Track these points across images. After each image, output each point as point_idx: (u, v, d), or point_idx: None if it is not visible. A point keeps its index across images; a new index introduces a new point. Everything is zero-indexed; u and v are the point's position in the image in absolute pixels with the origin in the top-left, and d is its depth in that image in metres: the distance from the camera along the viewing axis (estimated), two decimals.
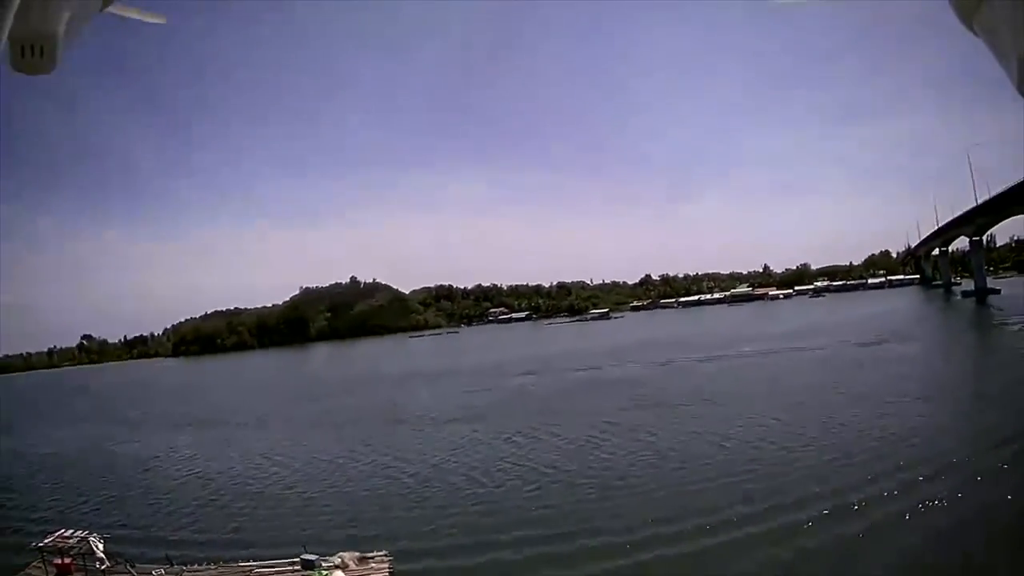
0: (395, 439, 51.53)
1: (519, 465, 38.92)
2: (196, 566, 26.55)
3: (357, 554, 24.39)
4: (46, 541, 27.88)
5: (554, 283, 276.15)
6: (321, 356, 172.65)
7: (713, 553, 23.35)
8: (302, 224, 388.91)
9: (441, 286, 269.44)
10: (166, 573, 26.25)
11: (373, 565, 24.37)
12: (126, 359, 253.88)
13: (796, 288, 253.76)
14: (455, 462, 41.43)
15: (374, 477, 40.22)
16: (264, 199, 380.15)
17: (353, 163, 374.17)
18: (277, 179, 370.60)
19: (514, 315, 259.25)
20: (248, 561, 25.85)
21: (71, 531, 29.23)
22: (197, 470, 48.11)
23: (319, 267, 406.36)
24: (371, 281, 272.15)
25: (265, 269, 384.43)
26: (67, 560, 26.89)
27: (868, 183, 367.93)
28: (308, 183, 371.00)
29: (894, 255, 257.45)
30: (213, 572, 25.63)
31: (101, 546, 27.13)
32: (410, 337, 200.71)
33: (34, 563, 27.81)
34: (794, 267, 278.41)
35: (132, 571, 26.59)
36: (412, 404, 69.54)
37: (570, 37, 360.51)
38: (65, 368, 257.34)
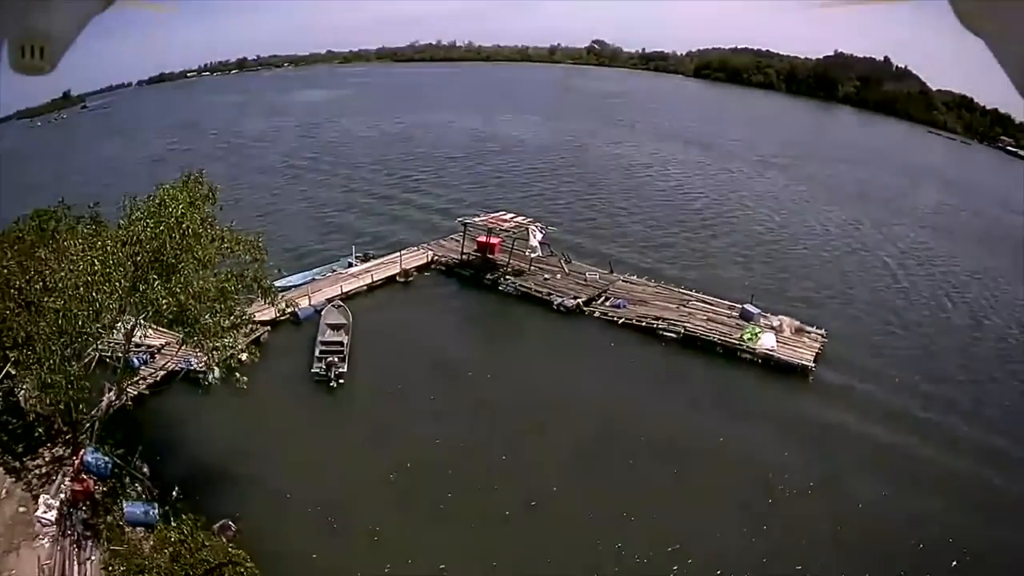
0: (905, 233, 45.49)
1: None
2: (635, 278, 30.13)
3: (797, 323, 26.31)
4: (475, 219, 31.21)
5: None
6: (848, 121, 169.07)
7: None
8: None
9: (964, 96, 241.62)
10: (600, 277, 29.59)
11: (806, 340, 26.07)
12: (639, 69, 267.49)
13: None
14: (961, 288, 35.59)
15: (861, 256, 38.79)
16: None
17: None
18: None
19: (1020, 151, 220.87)
20: (690, 291, 29.13)
21: (513, 215, 31.99)
22: (682, 188, 49.98)
23: (850, 35, 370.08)
24: (903, 67, 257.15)
25: (795, 19, 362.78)
26: (493, 240, 30.64)
27: None
28: None
29: None
30: (650, 289, 29.34)
31: (539, 236, 29.99)
32: (927, 132, 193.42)
33: (453, 235, 32.65)
34: None
35: (564, 266, 30.52)
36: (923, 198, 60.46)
37: None
38: (567, 65, 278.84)
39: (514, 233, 30.77)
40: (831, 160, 74.68)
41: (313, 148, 65.31)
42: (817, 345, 25.66)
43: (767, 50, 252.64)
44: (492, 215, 32.32)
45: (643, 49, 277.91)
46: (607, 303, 28.18)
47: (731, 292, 29.32)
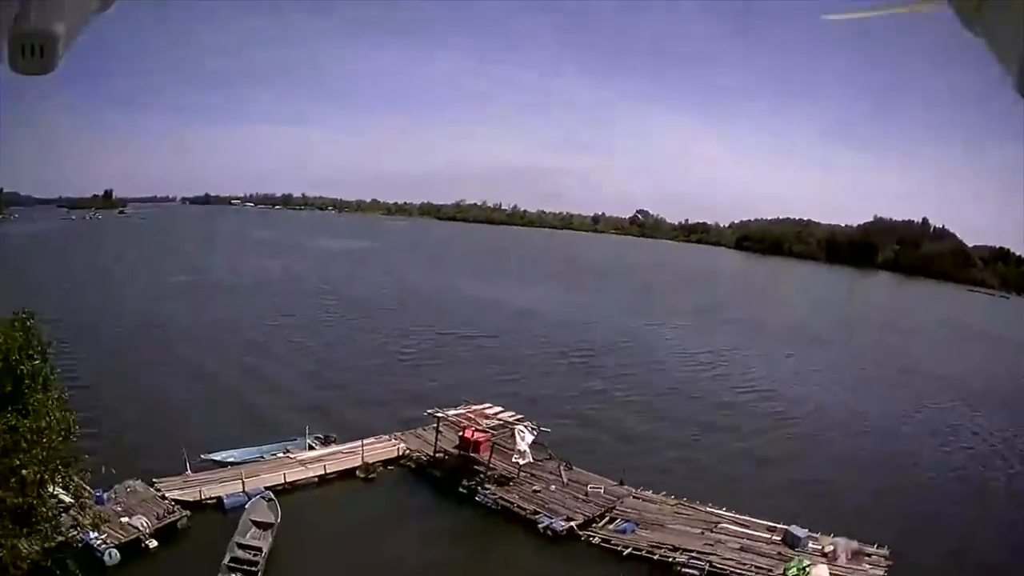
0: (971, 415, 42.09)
1: None
2: (651, 493, 24.62)
3: (855, 545, 20.70)
4: (450, 413, 26.45)
5: None
6: (889, 285, 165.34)
7: None
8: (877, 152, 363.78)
9: (1000, 248, 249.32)
10: (605, 490, 24.36)
11: (867, 565, 20.40)
12: (681, 240, 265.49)
13: None
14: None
15: (914, 456, 33.33)
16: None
17: None
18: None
19: None
20: (721, 509, 23.51)
21: (500, 409, 27.24)
22: (723, 379, 44.78)
23: (890, 199, 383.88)
24: (940, 227, 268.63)
25: (835, 189, 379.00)
26: (479, 436, 25.68)
27: None
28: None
29: None
30: (669, 508, 23.75)
31: (529, 438, 25.11)
32: (968, 291, 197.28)
33: (422, 427, 28.33)
34: None
35: (562, 474, 25.42)
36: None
37: None
38: (611, 234, 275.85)
39: (499, 433, 26.01)
40: (876, 330, 72.91)
41: (313, 303, 63.57)
42: (881, 571, 19.81)
43: (808, 219, 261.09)
44: (472, 408, 27.45)
45: (686, 220, 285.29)
46: (612, 525, 22.58)
47: (773, 508, 23.49)
